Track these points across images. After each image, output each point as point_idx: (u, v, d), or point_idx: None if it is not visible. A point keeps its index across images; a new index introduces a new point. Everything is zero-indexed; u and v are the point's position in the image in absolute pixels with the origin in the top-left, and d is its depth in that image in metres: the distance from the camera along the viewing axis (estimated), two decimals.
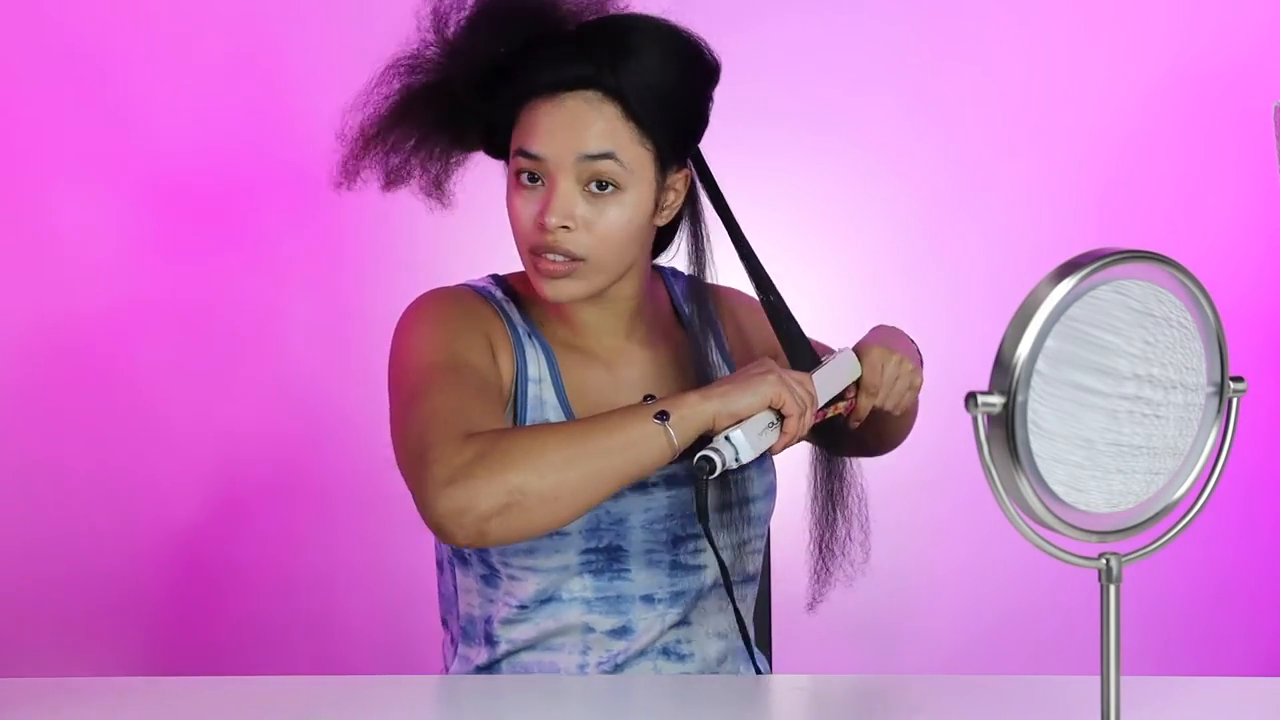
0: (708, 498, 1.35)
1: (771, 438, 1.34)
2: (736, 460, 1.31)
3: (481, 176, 1.52)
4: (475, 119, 1.45)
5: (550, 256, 1.41)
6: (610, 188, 1.40)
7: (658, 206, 1.45)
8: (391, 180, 1.47)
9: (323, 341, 2.52)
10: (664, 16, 1.43)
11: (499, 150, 1.48)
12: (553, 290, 1.43)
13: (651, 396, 1.45)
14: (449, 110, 1.44)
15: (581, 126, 1.39)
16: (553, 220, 1.39)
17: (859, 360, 1.50)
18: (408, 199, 1.51)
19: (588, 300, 1.47)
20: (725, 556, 1.48)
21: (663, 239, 1.56)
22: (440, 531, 1.28)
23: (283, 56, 2.50)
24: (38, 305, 2.49)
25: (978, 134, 2.58)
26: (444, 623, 1.57)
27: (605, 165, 1.39)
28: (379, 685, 1.42)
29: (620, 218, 1.41)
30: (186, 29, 2.50)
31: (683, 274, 1.59)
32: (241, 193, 2.50)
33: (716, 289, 1.59)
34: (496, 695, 1.36)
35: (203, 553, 2.53)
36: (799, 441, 1.39)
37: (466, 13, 1.42)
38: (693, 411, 1.31)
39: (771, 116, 2.54)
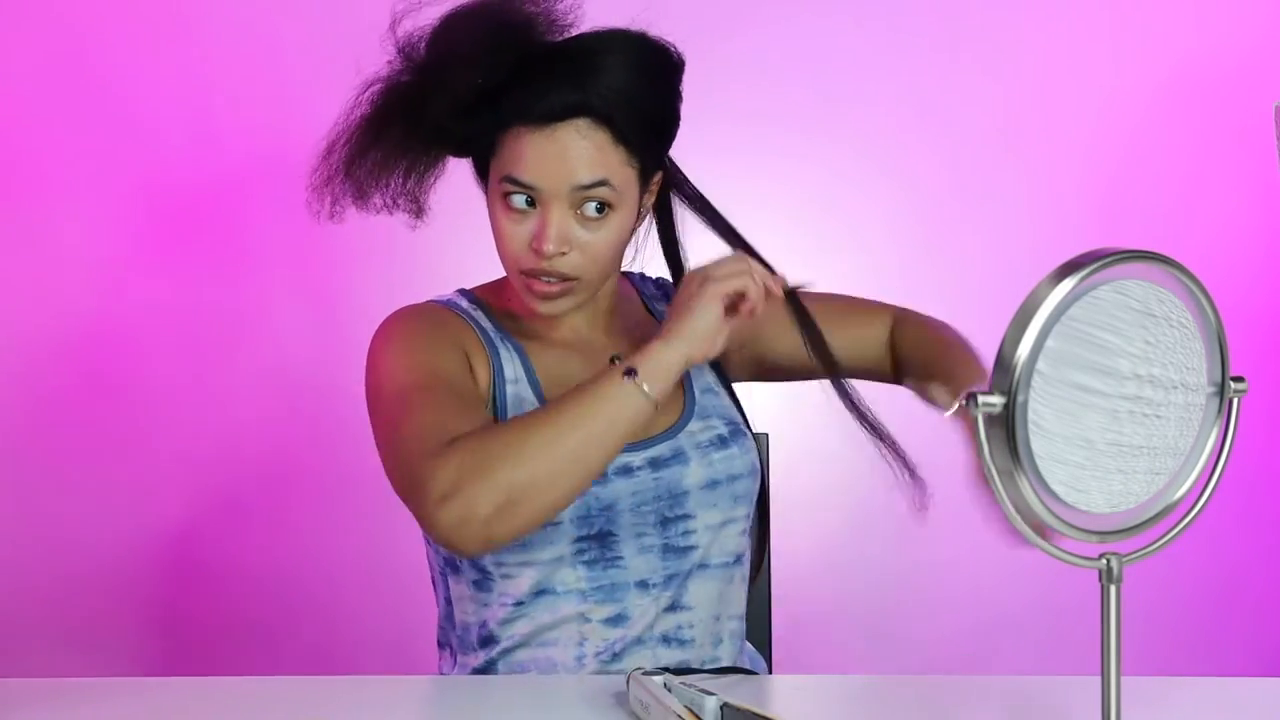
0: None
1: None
2: None
3: (466, 181, 1.53)
4: (450, 137, 1.44)
5: (545, 279, 1.43)
6: (604, 209, 1.42)
7: (639, 213, 1.48)
8: (362, 196, 1.45)
9: (322, 340, 2.52)
10: (631, 24, 1.42)
11: (471, 156, 1.48)
12: (546, 309, 1.46)
13: (617, 357, 1.47)
14: (426, 130, 1.43)
15: (574, 158, 1.40)
16: (550, 248, 1.40)
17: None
18: None
19: None
20: (705, 537, 1.48)
21: None
22: (449, 545, 1.30)
23: (279, 58, 2.49)
24: (37, 306, 2.48)
25: (978, 134, 2.58)
26: (441, 645, 1.56)
27: (598, 192, 1.41)
28: (379, 685, 1.41)
29: (610, 237, 1.44)
30: (185, 30, 2.50)
31: (650, 277, 1.63)
32: (237, 191, 2.50)
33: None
34: (496, 695, 1.36)
35: (202, 553, 2.52)
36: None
37: (434, 38, 1.40)
38: (658, 360, 1.31)
39: (772, 117, 2.54)
